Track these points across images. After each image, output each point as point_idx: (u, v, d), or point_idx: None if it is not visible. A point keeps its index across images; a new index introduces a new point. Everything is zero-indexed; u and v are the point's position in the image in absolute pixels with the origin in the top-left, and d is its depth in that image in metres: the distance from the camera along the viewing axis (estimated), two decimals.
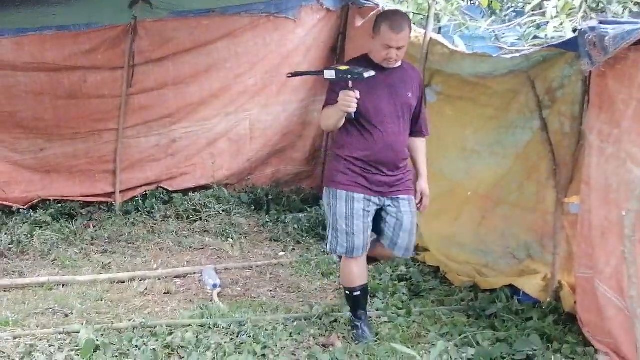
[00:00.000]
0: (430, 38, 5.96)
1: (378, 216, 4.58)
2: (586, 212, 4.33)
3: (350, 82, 4.10)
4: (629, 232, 3.69)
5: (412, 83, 4.51)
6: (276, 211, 7.50)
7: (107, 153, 7.39)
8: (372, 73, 4.13)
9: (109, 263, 6.03)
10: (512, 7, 8.53)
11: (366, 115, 4.34)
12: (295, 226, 7.05)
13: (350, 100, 4.10)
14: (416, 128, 4.68)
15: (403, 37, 4.26)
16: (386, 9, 6.55)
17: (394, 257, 4.79)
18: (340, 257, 4.71)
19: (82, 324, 4.66)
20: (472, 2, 8.34)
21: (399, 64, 4.45)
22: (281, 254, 6.50)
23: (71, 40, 6.82)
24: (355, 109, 4.14)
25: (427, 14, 6.11)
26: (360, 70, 4.13)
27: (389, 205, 4.53)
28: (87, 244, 6.44)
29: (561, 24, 6.01)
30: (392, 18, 4.29)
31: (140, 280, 5.63)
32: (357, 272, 4.59)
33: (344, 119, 4.26)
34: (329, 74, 4.19)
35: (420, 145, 4.78)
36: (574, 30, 4.53)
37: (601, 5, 6.97)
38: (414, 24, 7.03)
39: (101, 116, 7.22)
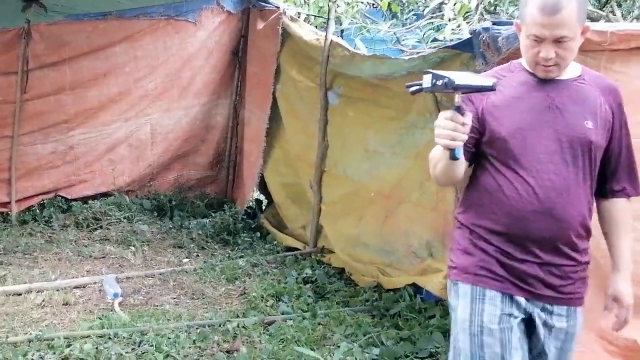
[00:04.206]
0: (331, 40, 5.99)
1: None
2: None
3: (458, 96, 2.40)
4: None
5: (597, 105, 2.64)
6: (180, 217, 7.39)
7: (1, 161, 7.14)
8: (491, 82, 2.43)
9: (4, 275, 5.78)
10: (412, 10, 8.66)
11: (505, 156, 2.62)
12: (200, 232, 6.98)
13: (450, 126, 2.38)
14: (610, 183, 2.76)
15: (561, 21, 2.47)
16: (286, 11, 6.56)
17: None
18: None
19: None
20: (373, 5, 8.41)
21: (576, 73, 2.69)
22: (185, 260, 6.39)
23: None
24: (460, 145, 2.41)
25: (327, 17, 6.13)
26: (469, 76, 2.48)
27: (537, 320, 2.67)
28: None
29: (458, 26, 6.11)
30: None
31: (38, 292, 5.41)
32: None
33: (459, 166, 2.54)
34: (426, 82, 2.43)
35: (619, 213, 2.79)
36: (471, 32, 4.61)
37: (499, 8, 7.14)
38: (316, 27, 7.07)
39: None
